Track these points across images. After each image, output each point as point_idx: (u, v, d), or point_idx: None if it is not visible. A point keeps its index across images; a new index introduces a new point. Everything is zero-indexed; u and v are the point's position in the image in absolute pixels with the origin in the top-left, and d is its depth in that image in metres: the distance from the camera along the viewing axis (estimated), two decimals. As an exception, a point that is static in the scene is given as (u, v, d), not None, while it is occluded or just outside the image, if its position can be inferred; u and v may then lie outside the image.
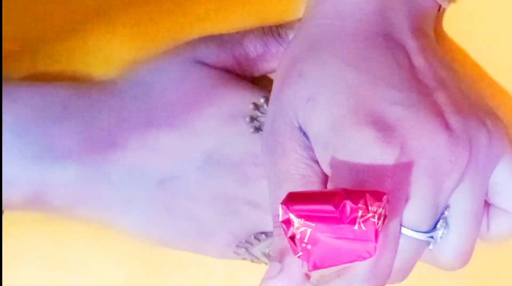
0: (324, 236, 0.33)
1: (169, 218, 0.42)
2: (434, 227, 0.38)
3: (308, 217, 0.33)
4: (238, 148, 0.41)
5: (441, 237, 0.39)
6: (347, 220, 0.33)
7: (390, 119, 0.37)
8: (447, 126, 0.38)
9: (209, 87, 0.42)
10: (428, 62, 0.40)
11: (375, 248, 0.33)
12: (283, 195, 0.35)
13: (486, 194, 0.40)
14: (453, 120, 0.38)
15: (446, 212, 0.39)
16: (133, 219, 0.42)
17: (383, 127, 0.37)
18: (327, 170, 0.38)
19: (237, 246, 0.43)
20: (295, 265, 0.38)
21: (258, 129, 0.42)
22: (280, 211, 0.33)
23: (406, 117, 0.38)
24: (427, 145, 0.37)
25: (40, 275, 0.45)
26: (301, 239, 0.33)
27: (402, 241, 0.38)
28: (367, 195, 0.33)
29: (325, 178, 0.39)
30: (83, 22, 0.45)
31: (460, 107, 0.39)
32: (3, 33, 0.44)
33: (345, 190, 0.34)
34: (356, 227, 0.33)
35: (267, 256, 0.44)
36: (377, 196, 0.33)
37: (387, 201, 0.34)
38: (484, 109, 0.41)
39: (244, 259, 0.44)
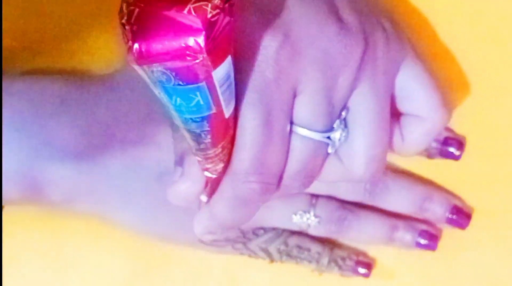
0: (152, 17, 0.28)
1: (167, 212, 0.42)
2: (331, 128, 0.37)
3: None
4: None
5: (339, 140, 0.37)
6: (176, 2, 0.29)
7: (279, 7, 0.36)
8: (339, 19, 0.37)
9: None
10: None
11: (204, 38, 0.28)
12: None
13: (395, 102, 0.40)
14: (347, 14, 0.37)
15: (343, 113, 0.37)
16: (132, 214, 0.42)
17: (270, 14, 0.36)
18: None
19: (235, 241, 0.43)
20: (195, 165, 0.37)
21: None
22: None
23: (295, 4, 0.36)
24: (315, 34, 0.36)
25: (40, 274, 0.45)
26: (128, 21, 0.29)
27: (295, 140, 0.36)
28: None
29: None
30: (83, 22, 0.45)
31: (358, 4, 0.38)
32: (3, 30, 0.44)
33: None
34: (185, 11, 0.28)
35: (265, 251, 0.44)
36: None
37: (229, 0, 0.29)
38: (384, 13, 0.40)
39: (242, 254, 0.44)
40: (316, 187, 0.42)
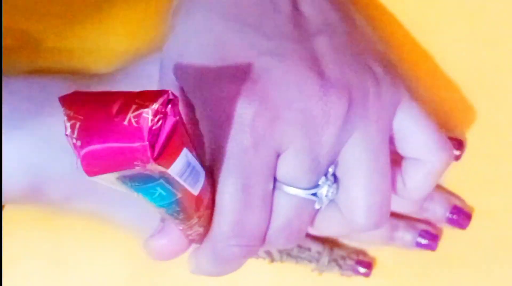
0: (94, 132, 0.27)
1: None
2: (316, 185, 0.37)
3: (78, 110, 0.27)
4: None
5: (326, 196, 0.37)
6: (117, 113, 0.27)
7: (256, 70, 0.35)
8: (320, 75, 0.36)
9: None
10: (317, 5, 0.38)
11: (148, 149, 0.27)
12: None
13: (395, 146, 0.39)
14: (330, 68, 0.36)
15: (330, 169, 0.37)
16: (131, 213, 0.42)
17: (246, 80, 0.35)
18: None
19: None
20: (174, 226, 0.36)
21: None
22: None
23: (272, 67, 0.35)
24: (293, 95, 0.35)
25: (40, 274, 0.45)
26: (72, 135, 0.28)
27: (279, 197, 0.36)
28: (146, 92, 0.28)
29: None
30: (83, 22, 0.45)
31: (343, 53, 0.37)
32: (3, 30, 0.44)
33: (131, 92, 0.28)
34: (126, 122, 0.27)
35: (266, 251, 0.44)
36: (158, 93, 0.28)
37: (171, 100, 0.28)
38: (375, 55, 0.39)
39: (242, 253, 0.44)
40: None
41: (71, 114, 0.28)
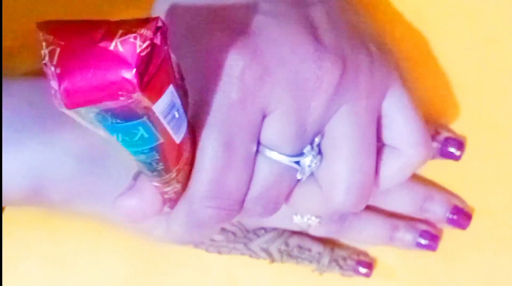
0: (76, 58, 0.25)
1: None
2: (301, 153, 0.36)
3: (58, 35, 0.25)
4: None
5: (309, 166, 0.36)
6: (102, 39, 0.25)
7: (251, 26, 0.34)
8: (316, 39, 0.35)
9: None
10: None
11: (136, 76, 0.25)
12: None
13: (379, 131, 0.38)
14: (326, 35, 0.36)
15: (316, 139, 0.36)
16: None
17: (239, 34, 0.34)
18: None
19: (236, 241, 0.43)
20: (147, 183, 0.35)
21: None
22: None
23: (267, 25, 0.35)
24: (286, 55, 0.34)
25: (40, 274, 0.45)
26: (50, 62, 0.25)
27: (261, 162, 0.35)
28: (133, 19, 0.26)
29: None
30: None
31: (339, 26, 0.37)
32: (3, 30, 0.44)
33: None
34: (112, 47, 0.25)
35: (266, 251, 0.44)
36: (147, 20, 0.26)
37: (160, 28, 0.26)
38: (371, 36, 0.38)
39: (242, 254, 0.44)
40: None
41: (51, 39, 0.25)
